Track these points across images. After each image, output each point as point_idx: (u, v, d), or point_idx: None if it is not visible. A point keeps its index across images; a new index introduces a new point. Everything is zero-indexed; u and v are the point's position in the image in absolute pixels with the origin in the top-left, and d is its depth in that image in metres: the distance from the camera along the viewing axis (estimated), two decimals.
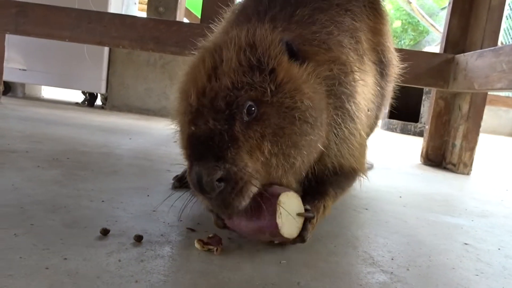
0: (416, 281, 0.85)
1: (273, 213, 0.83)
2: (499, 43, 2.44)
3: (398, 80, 1.58)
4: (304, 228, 0.90)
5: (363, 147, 1.20)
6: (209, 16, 2.13)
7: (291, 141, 0.88)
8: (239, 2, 1.47)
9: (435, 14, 12.60)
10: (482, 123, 2.53)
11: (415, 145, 4.10)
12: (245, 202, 0.82)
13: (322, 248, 0.98)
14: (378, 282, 0.83)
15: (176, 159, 1.89)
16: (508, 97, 8.02)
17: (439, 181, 2.23)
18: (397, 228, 1.23)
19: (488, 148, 5.16)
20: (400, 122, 6.24)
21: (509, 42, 10.57)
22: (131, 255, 0.82)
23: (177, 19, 4.14)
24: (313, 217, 0.93)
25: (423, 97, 5.84)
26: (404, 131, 6.18)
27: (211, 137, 0.81)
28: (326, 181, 1.09)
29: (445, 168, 2.66)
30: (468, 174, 2.53)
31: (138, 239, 0.88)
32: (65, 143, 1.97)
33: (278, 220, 0.83)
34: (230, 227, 0.92)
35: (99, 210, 1.06)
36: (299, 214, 0.89)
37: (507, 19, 10.39)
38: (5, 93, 4.27)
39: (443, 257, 1.02)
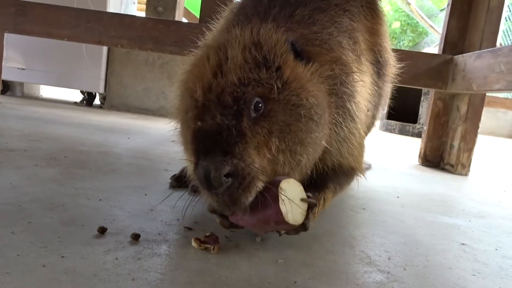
0: (413, 281, 0.85)
1: (276, 200, 0.82)
2: (498, 44, 2.45)
3: (396, 80, 1.59)
4: (306, 217, 0.89)
5: (362, 146, 1.21)
6: (207, 16, 2.13)
7: (297, 138, 0.89)
8: (237, 1, 1.47)
9: (434, 15, 12.62)
10: (481, 125, 2.54)
11: (413, 146, 4.11)
12: (251, 197, 0.82)
13: (319, 247, 0.98)
14: (375, 281, 0.83)
15: (174, 157, 1.90)
16: (506, 98, 8.02)
17: (437, 181, 2.23)
18: (395, 228, 1.23)
19: (486, 149, 5.17)
20: (398, 123, 6.24)
21: (508, 43, 10.59)
22: (128, 253, 0.82)
23: (176, 18, 4.15)
24: (316, 204, 0.92)
25: (422, 98, 5.85)
26: (402, 132, 6.18)
27: (218, 132, 0.81)
28: (326, 177, 1.10)
29: (443, 169, 2.67)
30: (466, 175, 2.54)
31: (135, 237, 0.88)
32: (63, 142, 1.97)
33: (282, 207, 0.82)
34: (234, 222, 0.90)
35: (96, 209, 1.06)
36: (302, 200, 0.88)
37: (506, 20, 10.42)
38: (3, 92, 4.26)
39: (440, 257, 1.02)
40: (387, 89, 1.55)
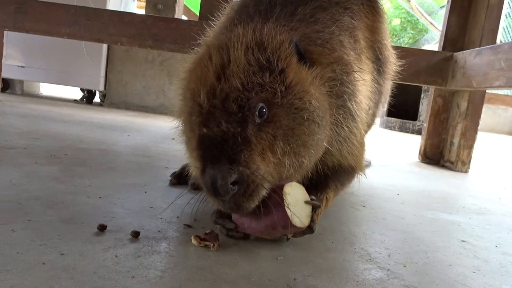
0: (413, 278, 0.85)
1: (281, 205, 0.84)
2: (498, 41, 2.44)
3: (396, 77, 1.59)
4: (311, 219, 0.90)
5: (362, 145, 1.21)
6: (207, 14, 2.13)
7: (301, 141, 0.89)
8: None
9: (434, 12, 12.60)
10: (481, 122, 2.54)
11: (413, 143, 4.10)
12: (254, 204, 0.84)
13: (319, 244, 0.98)
14: (375, 278, 0.83)
15: (174, 155, 1.90)
16: (507, 95, 8.03)
17: (437, 178, 2.23)
18: (394, 225, 1.23)
19: (487, 146, 5.17)
20: (398, 120, 6.24)
21: (508, 40, 10.57)
22: (128, 250, 0.82)
23: (176, 16, 4.14)
24: (319, 206, 0.94)
25: (422, 95, 5.85)
26: (402, 129, 6.18)
27: (225, 140, 0.81)
28: (327, 176, 1.10)
29: (443, 166, 2.67)
30: (466, 172, 2.54)
31: (135, 235, 0.88)
32: (63, 140, 1.97)
33: (288, 211, 0.84)
34: (242, 231, 0.92)
35: (96, 206, 1.06)
36: (306, 202, 0.89)
37: (506, 17, 10.39)
38: (3, 90, 4.26)
39: (440, 254, 1.02)
40: (387, 87, 1.54)
